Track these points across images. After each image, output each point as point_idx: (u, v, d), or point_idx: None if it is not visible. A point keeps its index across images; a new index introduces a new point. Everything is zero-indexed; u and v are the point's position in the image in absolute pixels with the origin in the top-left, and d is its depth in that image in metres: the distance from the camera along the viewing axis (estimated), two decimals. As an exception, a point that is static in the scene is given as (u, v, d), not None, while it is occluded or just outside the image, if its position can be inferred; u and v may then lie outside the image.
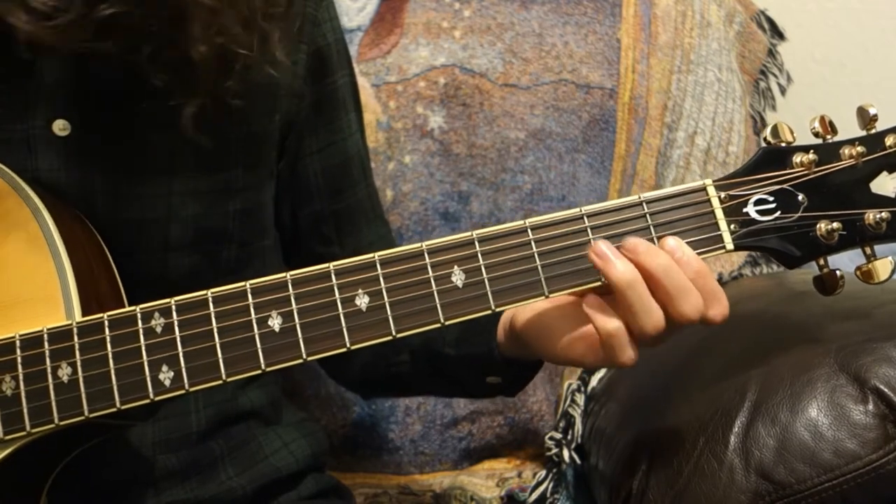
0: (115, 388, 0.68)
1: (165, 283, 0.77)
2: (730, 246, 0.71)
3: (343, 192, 0.95)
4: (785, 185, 0.71)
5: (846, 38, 1.44)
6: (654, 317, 0.67)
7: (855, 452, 0.71)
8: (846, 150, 0.71)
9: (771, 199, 0.71)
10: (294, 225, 0.95)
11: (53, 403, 0.69)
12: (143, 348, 0.69)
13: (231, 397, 0.89)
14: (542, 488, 1.06)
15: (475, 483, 1.09)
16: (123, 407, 0.68)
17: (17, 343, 0.70)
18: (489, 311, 0.69)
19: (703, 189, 0.71)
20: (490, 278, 0.69)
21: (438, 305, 0.69)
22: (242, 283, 0.69)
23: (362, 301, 0.69)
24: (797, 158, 0.71)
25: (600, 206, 0.70)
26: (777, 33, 1.29)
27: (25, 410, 0.69)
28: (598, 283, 0.69)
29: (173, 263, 0.82)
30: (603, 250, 0.67)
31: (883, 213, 0.70)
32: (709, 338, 0.87)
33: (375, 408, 1.15)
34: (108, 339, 0.69)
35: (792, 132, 0.72)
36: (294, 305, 0.69)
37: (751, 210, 0.71)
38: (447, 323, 0.69)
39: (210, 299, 0.69)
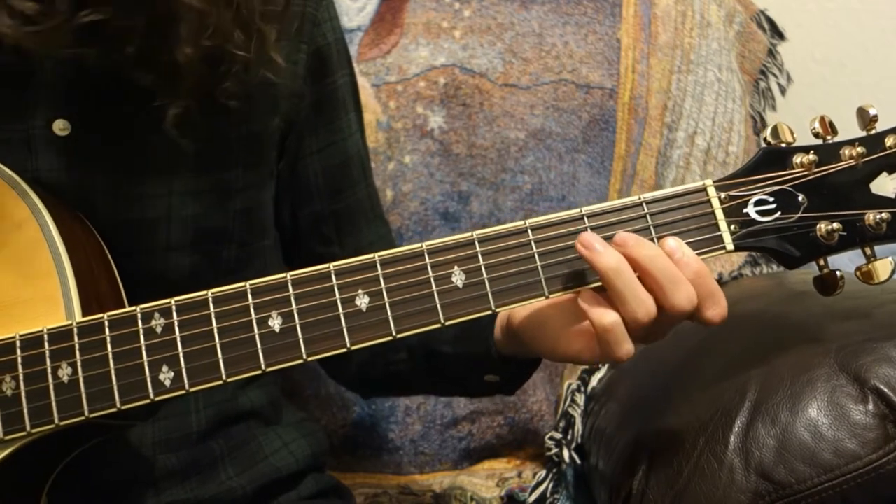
0: (115, 388, 0.68)
1: (165, 283, 0.77)
2: (730, 246, 0.71)
3: (343, 191, 0.95)
4: (785, 186, 0.71)
5: (846, 38, 1.44)
6: (644, 304, 0.67)
7: (855, 452, 0.71)
8: (846, 151, 0.71)
9: (771, 199, 0.71)
10: (294, 225, 0.95)
11: (53, 404, 0.69)
12: (144, 348, 0.69)
13: (231, 397, 0.89)
14: (542, 488, 1.06)
15: (475, 483, 1.09)
16: (123, 407, 0.68)
17: (18, 343, 0.70)
18: (489, 312, 0.69)
19: (704, 189, 0.71)
20: (490, 278, 0.69)
21: (439, 306, 0.69)
22: (242, 284, 0.69)
23: (362, 301, 0.69)
24: (797, 159, 0.71)
25: (600, 206, 0.71)
26: (777, 33, 1.29)
27: (25, 411, 0.69)
28: (599, 284, 0.69)
29: (173, 263, 0.82)
30: (589, 241, 0.68)
31: (883, 214, 0.70)
32: (709, 338, 0.87)
33: (375, 408, 1.15)
34: (108, 339, 0.69)
35: (792, 133, 0.72)
36: (294, 306, 0.69)
37: (751, 210, 0.71)
38: (447, 323, 0.69)
39: (210, 299, 0.69)
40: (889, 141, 0.71)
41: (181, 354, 0.69)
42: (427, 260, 0.69)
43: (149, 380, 0.68)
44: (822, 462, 0.71)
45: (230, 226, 0.86)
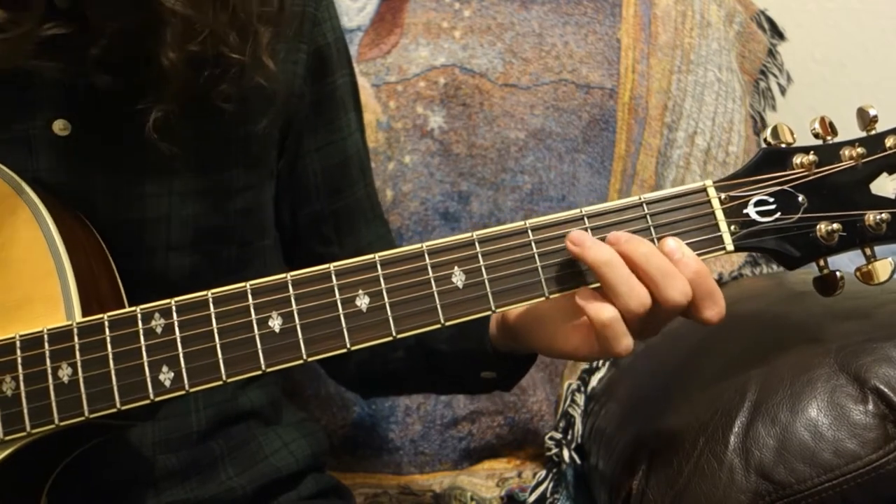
0: (115, 388, 0.68)
1: (165, 284, 0.77)
2: (730, 247, 0.71)
3: (342, 191, 0.95)
4: (785, 187, 0.71)
5: (846, 38, 1.44)
6: (638, 295, 0.67)
7: (855, 452, 0.71)
8: (846, 152, 0.71)
9: (771, 200, 0.71)
10: (294, 224, 0.95)
11: (54, 404, 0.69)
12: (144, 349, 0.69)
13: (231, 397, 0.89)
14: (542, 488, 1.06)
15: (475, 483, 1.09)
16: (124, 407, 0.68)
17: (18, 343, 0.70)
18: (490, 312, 0.69)
19: (704, 190, 0.71)
20: (490, 279, 0.69)
21: (439, 306, 0.69)
22: (243, 284, 0.69)
23: (363, 302, 0.69)
24: (797, 159, 0.71)
25: (601, 206, 0.71)
26: (777, 33, 1.29)
27: (26, 411, 0.69)
28: (598, 285, 0.69)
29: (173, 263, 0.82)
30: (579, 237, 0.68)
31: (883, 215, 0.70)
32: (709, 338, 0.87)
33: (375, 408, 1.15)
34: (108, 339, 0.69)
35: (792, 133, 0.72)
36: (294, 306, 0.69)
37: (751, 211, 0.71)
38: (448, 324, 0.69)
39: (210, 300, 0.69)
40: (889, 141, 0.71)
41: (181, 355, 0.69)
42: (427, 260, 0.69)
43: (149, 380, 0.68)
44: (822, 462, 0.71)
45: (230, 226, 0.86)
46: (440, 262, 0.69)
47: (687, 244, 0.70)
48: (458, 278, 0.69)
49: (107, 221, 0.78)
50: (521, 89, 1.18)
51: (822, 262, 0.72)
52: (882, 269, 0.71)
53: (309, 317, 0.69)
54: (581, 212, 0.70)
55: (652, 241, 0.70)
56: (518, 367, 0.87)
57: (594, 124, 1.18)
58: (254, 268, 0.88)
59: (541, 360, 1.14)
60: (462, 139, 1.17)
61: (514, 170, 1.17)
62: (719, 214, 0.71)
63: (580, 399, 1.11)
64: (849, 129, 0.72)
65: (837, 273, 0.71)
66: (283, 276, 0.69)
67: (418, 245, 0.70)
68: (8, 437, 0.69)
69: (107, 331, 0.69)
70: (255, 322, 0.69)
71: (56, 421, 0.69)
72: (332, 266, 0.69)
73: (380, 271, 0.69)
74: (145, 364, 0.69)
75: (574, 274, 0.70)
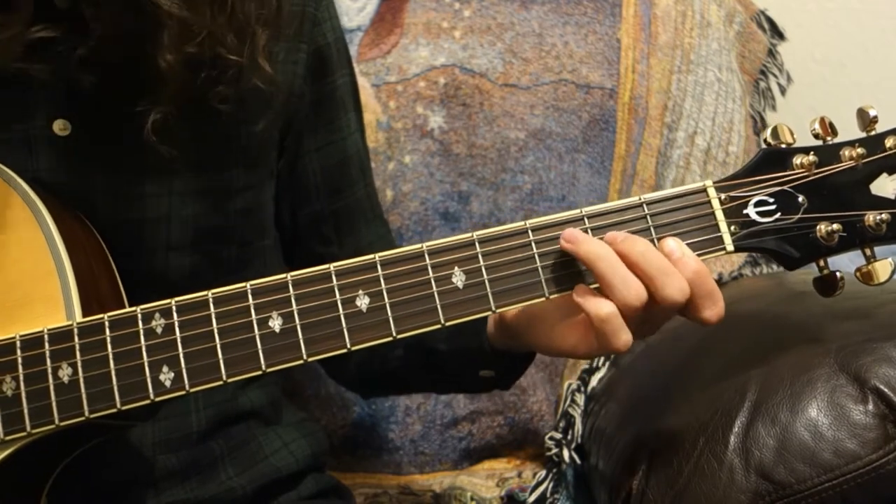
0: (115, 388, 0.68)
1: (166, 284, 0.77)
2: (730, 247, 0.71)
3: (342, 191, 0.95)
4: (785, 187, 0.71)
5: (846, 38, 1.44)
6: (634, 289, 0.67)
7: (855, 452, 0.71)
8: (846, 152, 0.71)
9: (771, 200, 0.71)
10: (294, 224, 0.95)
11: (54, 404, 0.69)
12: (144, 349, 0.69)
13: (231, 397, 0.89)
14: (542, 488, 1.06)
15: (475, 483, 1.09)
16: (124, 407, 0.68)
17: (18, 343, 0.70)
18: (490, 312, 0.69)
19: (704, 190, 0.71)
20: (490, 279, 0.69)
21: (439, 306, 0.69)
22: (243, 284, 0.69)
23: (363, 302, 0.69)
24: (797, 160, 0.71)
25: (601, 206, 0.71)
26: (777, 33, 1.29)
27: (26, 411, 0.69)
28: (598, 285, 0.69)
29: (173, 263, 0.82)
30: (572, 235, 0.68)
31: (883, 215, 0.70)
32: (709, 338, 0.87)
33: (375, 408, 1.15)
34: (108, 339, 0.69)
35: (792, 133, 0.72)
36: (294, 306, 0.69)
37: (751, 211, 0.71)
38: (448, 324, 0.69)
39: (211, 300, 0.69)
40: (889, 142, 0.71)
41: (181, 355, 0.69)
42: (427, 260, 0.69)
43: (149, 380, 0.68)
44: (822, 462, 0.71)
45: (230, 226, 0.86)
46: (440, 263, 0.69)
47: (687, 244, 0.70)
48: (459, 278, 0.69)
49: (107, 221, 0.78)
50: (521, 89, 1.18)
51: (822, 263, 0.72)
52: (882, 270, 0.71)
53: (309, 317, 0.69)
54: (581, 212, 0.70)
55: (652, 241, 0.70)
56: (516, 366, 0.87)
57: (594, 124, 1.18)
58: (254, 268, 0.88)
59: (541, 359, 1.15)
60: (462, 139, 1.17)
61: (514, 170, 1.17)
62: (719, 215, 0.71)
63: (580, 399, 1.11)
64: (849, 130, 0.72)
65: (837, 273, 0.72)
66: (283, 276, 0.69)
67: (418, 245, 0.70)
68: (8, 438, 0.69)
69: (107, 331, 0.69)
70: (255, 322, 0.69)
71: (56, 421, 0.69)
72: (332, 266, 0.69)
73: (380, 271, 0.69)
74: (145, 364, 0.69)
75: (574, 274, 0.70)
